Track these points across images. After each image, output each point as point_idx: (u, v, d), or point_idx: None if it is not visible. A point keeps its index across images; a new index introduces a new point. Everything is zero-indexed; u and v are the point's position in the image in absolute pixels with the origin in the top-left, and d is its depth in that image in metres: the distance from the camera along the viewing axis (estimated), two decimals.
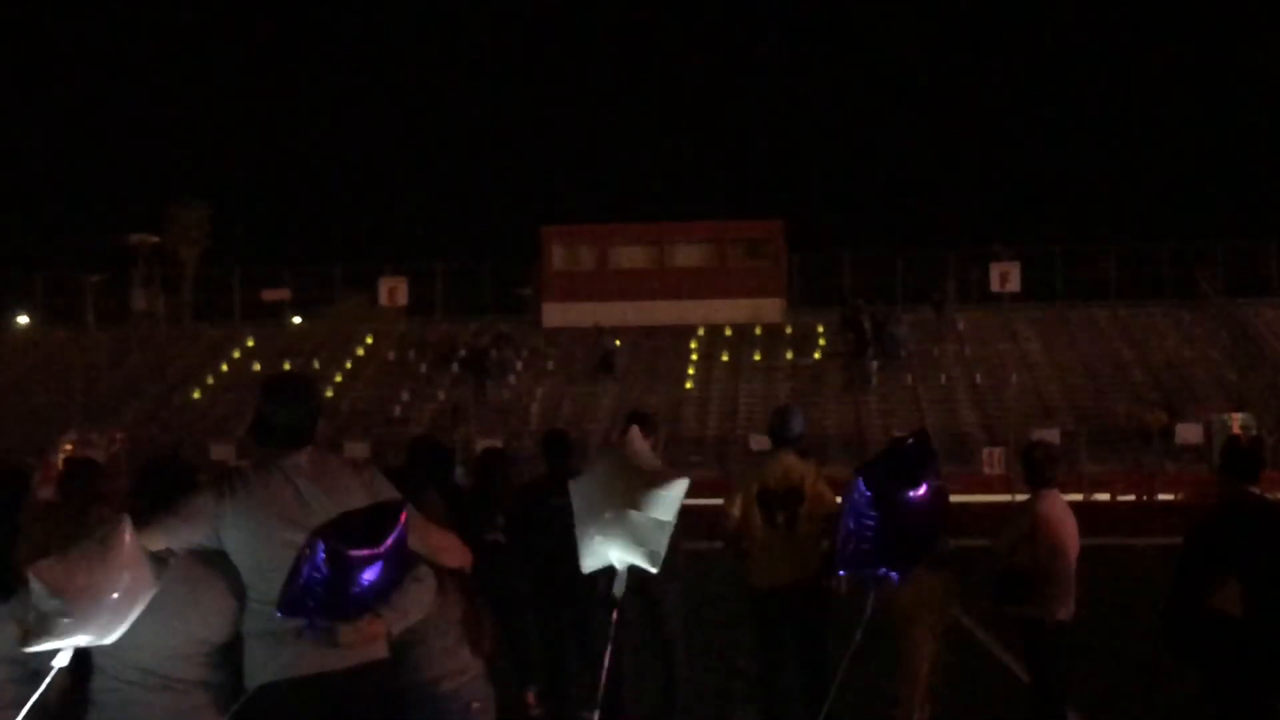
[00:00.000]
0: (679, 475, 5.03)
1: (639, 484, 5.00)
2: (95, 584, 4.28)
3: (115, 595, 4.32)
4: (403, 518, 4.43)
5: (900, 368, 43.47)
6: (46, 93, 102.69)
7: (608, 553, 4.99)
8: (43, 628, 4.28)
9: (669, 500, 4.96)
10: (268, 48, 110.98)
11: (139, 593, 4.39)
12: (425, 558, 4.96)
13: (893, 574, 4.68)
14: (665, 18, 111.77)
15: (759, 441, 34.31)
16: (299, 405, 4.86)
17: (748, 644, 9.04)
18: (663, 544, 4.94)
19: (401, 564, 4.49)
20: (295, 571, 4.32)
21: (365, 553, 4.31)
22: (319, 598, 4.32)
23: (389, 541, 4.37)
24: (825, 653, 8.44)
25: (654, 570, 5.04)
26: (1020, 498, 8.44)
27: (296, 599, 4.33)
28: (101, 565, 4.35)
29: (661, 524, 4.94)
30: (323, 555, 4.26)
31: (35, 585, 4.26)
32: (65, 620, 4.26)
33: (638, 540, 4.97)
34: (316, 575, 4.28)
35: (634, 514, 4.97)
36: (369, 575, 4.35)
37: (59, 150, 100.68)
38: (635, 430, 5.27)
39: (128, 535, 4.46)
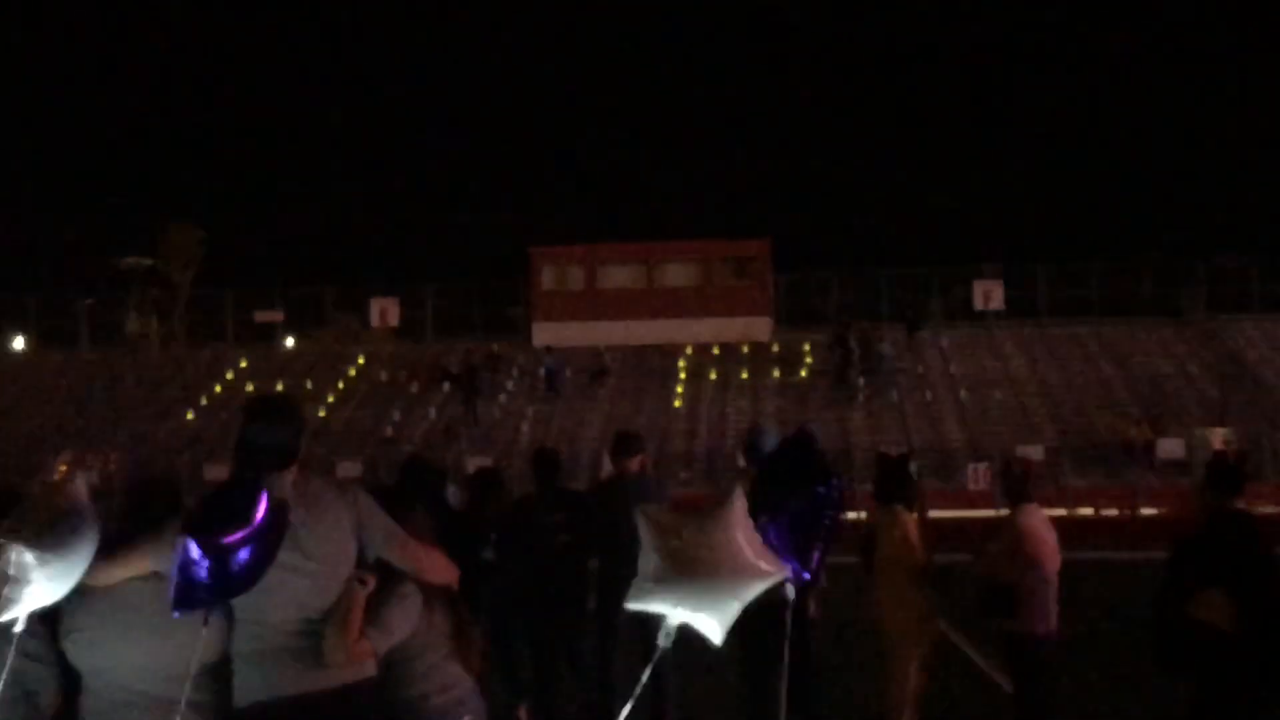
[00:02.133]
0: (778, 569, 4.98)
1: (728, 570, 4.90)
2: (64, 526, 4.46)
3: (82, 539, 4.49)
4: (263, 493, 4.45)
5: (886, 385, 43.70)
6: (40, 116, 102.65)
7: (664, 605, 4.91)
8: (16, 590, 4.37)
9: (755, 590, 4.93)
10: (260, 71, 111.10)
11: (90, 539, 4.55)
12: (412, 575, 5.01)
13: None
14: (653, 39, 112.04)
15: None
16: (282, 427, 4.83)
17: (737, 657, 9.19)
18: (731, 617, 4.92)
19: (275, 541, 4.50)
20: (178, 571, 4.35)
21: (239, 535, 4.36)
22: (207, 588, 4.36)
23: (259, 518, 4.41)
24: (811, 664, 8.61)
25: (718, 642, 4.98)
26: (1005, 513, 8.47)
27: (185, 596, 4.36)
28: (67, 509, 4.53)
29: (734, 604, 4.92)
30: (197, 551, 4.32)
31: (14, 551, 4.36)
32: (44, 570, 4.40)
33: (707, 608, 4.91)
34: (198, 570, 4.33)
35: (717, 590, 4.89)
36: (243, 555, 4.39)
37: (52, 173, 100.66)
38: (742, 501, 5.02)
39: (80, 482, 4.70)
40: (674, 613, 4.87)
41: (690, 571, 4.84)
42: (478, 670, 5.45)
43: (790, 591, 5.00)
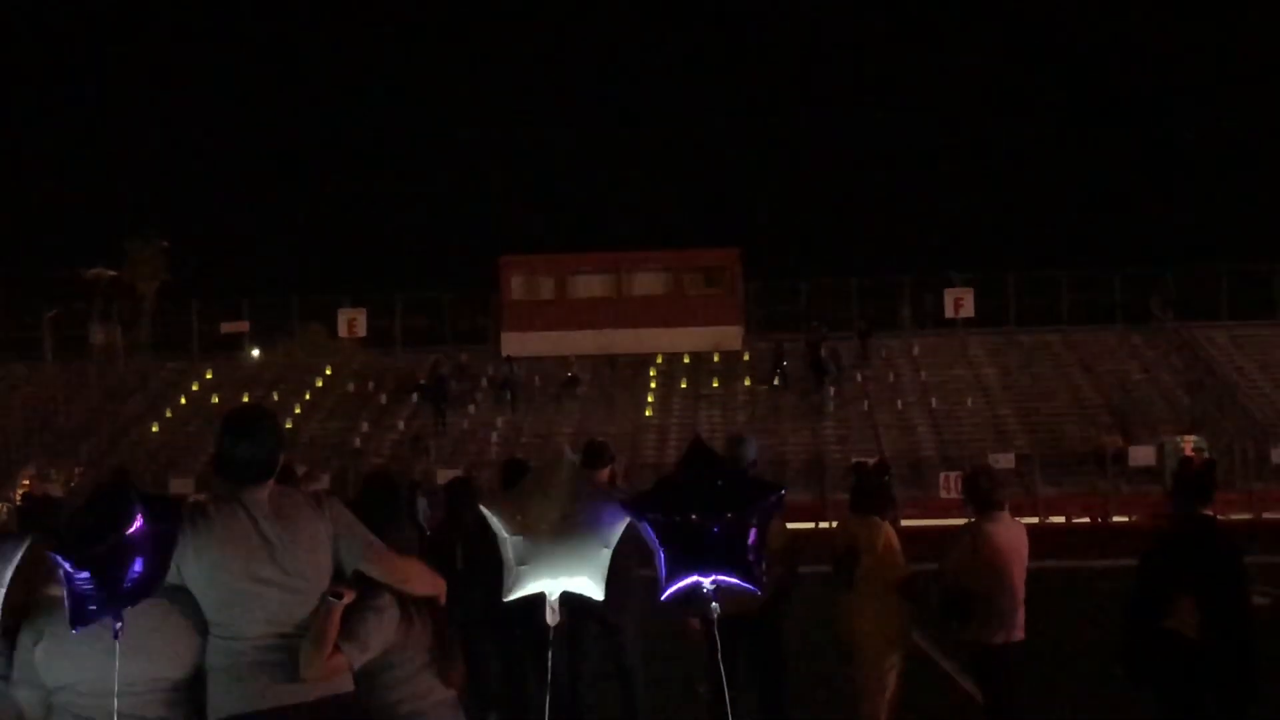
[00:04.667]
0: (618, 512, 5.07)
1: (579, 525, 5.02)
2: None
3: None
4: (135, 504, 4.42)
5: (858, 393, 43.77)
6: (1, 126, 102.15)
7: (538, 584, 5.00)
8: None
9: (614, 532, 5.02)
10: (224, 81, 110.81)
11: None
12: (392, 587, 4.98)
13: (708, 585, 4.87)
14: (621, 49, 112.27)
15: None
16: (260, 439, 4.84)
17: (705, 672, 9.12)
18: (602, 567, 4.99)
19: (165, 550, 4.49)
20: (67, 593, 4.37)
21: (110, 542, 4.33)
22: (98, 600, 4.34)
23: (137, 528, 4.38)
24: (782, 678, 8.58)
25: (599, 597, 5.08)
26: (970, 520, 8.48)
27: (78, 612, 4.36)
28: None
29: (603, 550, 5.00)
30: (71, 566, 4.32)
31: None
32: None
33: (576, 568, 4.98)
34: (83, 584, 4.33)
35: (580, 540, 5.00)
36: (136, 568, 4.37)
37: (14, 183, 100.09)
38: (571, 460, 5.27)
39: None
40: (551, 586, 4.97)
41: (545, 539, 4.96)
42: (458, 684, 5.43)
43: (716, 610, 4.96)
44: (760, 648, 8.42)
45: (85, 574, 4.32)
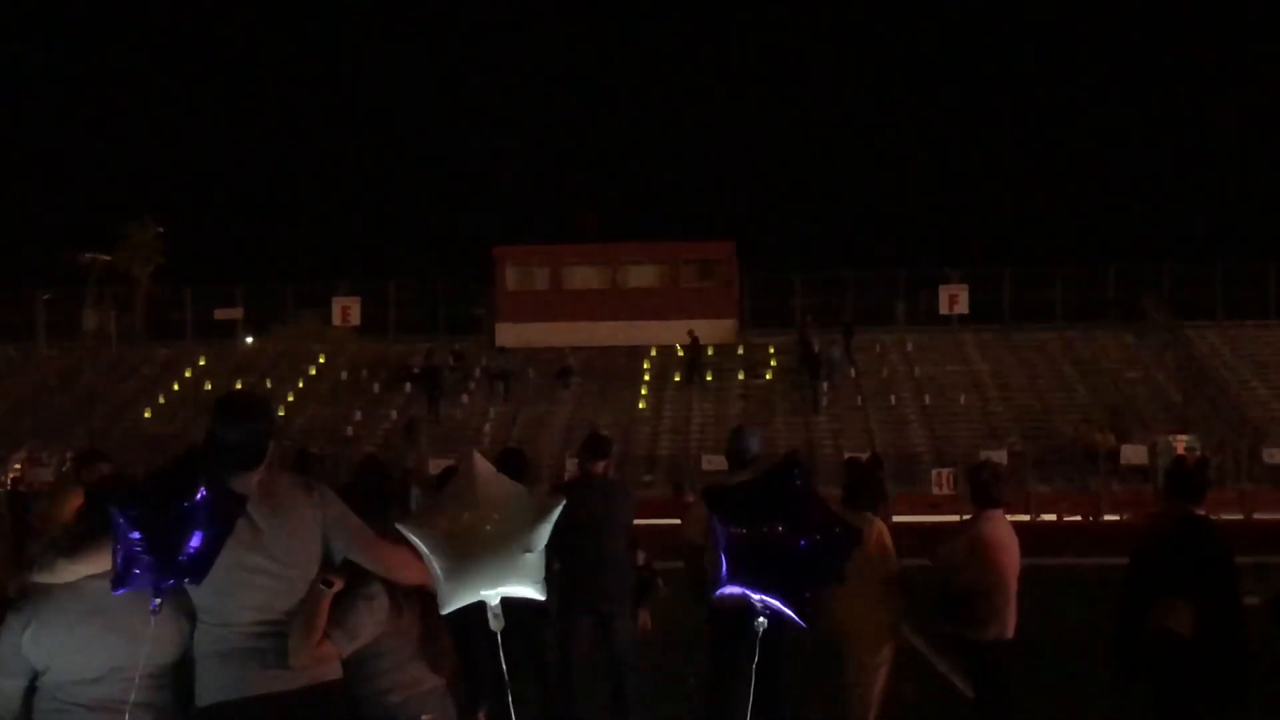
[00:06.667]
0: (554, 499, 4.94)
1: (521, 520, 4.84)
2: None
3: None
4: (201, 478, 4.37)
5: (851, 389, 43.77)
6: None
7: (475, 591, 4.82)
8: None
9: (549, 528, 4.86)
10: (220, 68, 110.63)
11: None
12: (382, 576, 4.97)
13: (770, 604, 4.74)
14: (616, 41, 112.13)
15: (711, 461, 34.52)
16: (250, 425, 4.78)
17: (700, 664, 9.11)
18: (536, 569, 4.83)
19: (224, 531, 4.40)
20: (114, 552, 4.30)
21: (171, 510, 4.29)
22: (145, 566, 4.29)
23: (199, 499, 4.33)
24: (783, 672, 8.58)
25: (541, 598, 4.90)
26: (966, 517, 8.48)
27: (122, 574, 4.29)
28: None
29: (543, 554, 4.85)
30: (125, 523, 4.27)
31: None
32: None
33: (522, 576, 4.83)
34: (133, 545, 4.27)
35: (525, 555, 4.81)
36: (192, 543, 4.31)
37: (9, 168, 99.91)
38: (482, 462, 5.03)
39: None
40: (488, 594, 4.80)
41: (468, 554, 4.75)
42: (446, 673, 5.42)
43: (762, 625, 4.87)
44: (767, 637, 8.38)
45: (137, 534, 4.26)
